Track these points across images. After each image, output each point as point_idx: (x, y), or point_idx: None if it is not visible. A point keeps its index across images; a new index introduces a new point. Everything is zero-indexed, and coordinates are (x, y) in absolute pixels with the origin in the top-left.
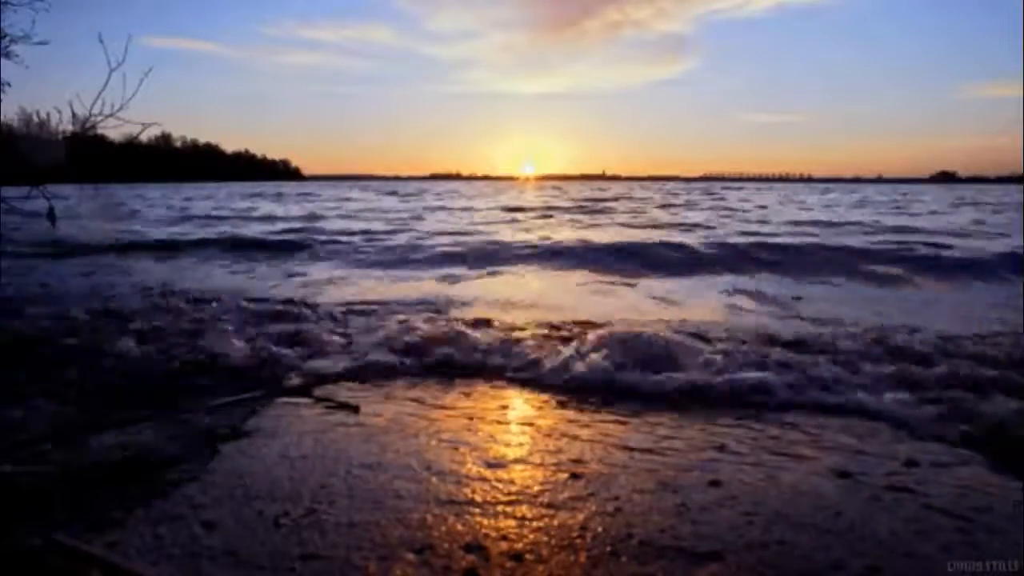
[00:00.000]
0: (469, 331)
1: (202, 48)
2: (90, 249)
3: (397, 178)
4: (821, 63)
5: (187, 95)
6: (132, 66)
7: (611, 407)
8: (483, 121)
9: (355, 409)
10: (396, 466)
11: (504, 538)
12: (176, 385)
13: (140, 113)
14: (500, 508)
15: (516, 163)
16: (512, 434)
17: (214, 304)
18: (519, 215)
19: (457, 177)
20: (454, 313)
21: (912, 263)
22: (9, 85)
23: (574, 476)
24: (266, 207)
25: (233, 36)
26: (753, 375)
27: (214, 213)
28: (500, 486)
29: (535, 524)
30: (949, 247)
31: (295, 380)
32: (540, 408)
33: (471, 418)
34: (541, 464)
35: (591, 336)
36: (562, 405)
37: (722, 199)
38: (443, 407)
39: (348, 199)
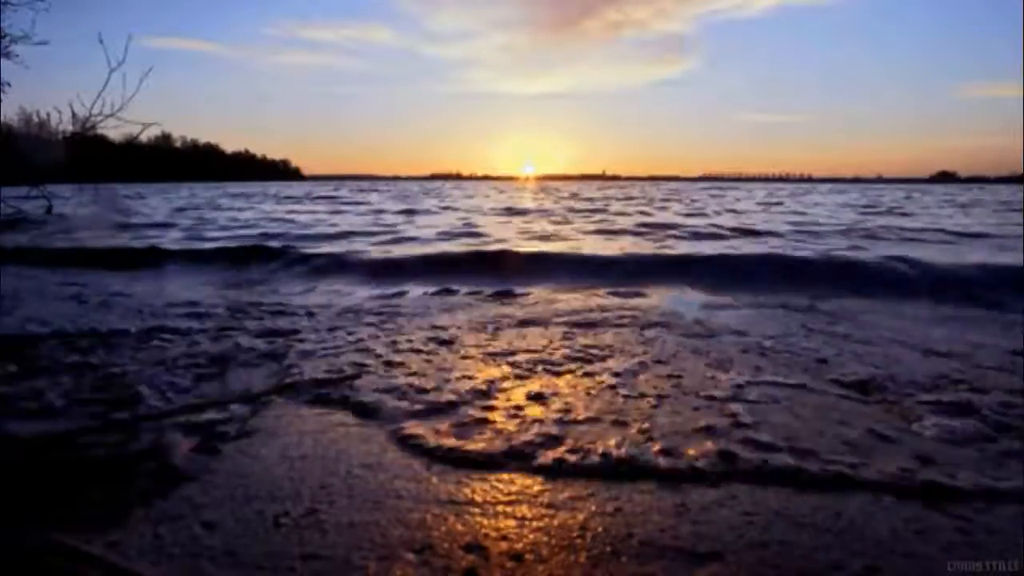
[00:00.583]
0: None
1: (202, 48)
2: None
3: (397, 178)
4: (821, 63)
5: (187, 95)
6: (132, 66)
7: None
8: (483, 121)
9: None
10: (396, 466)
11: (504, 538)
12: (176, 385)
13: (140, 113)
14: (500, 508)
15: (516, 163)
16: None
17: None
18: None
19: (457, 177)
20: None
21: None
22: (9, 85)
23: (575, 475)
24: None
25: (233, 36)
26: None
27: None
28: (500, 486)
29: (535, 524)
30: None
31: (295, 380)
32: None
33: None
34: (541, 464)
35: None
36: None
37: (695, 200)
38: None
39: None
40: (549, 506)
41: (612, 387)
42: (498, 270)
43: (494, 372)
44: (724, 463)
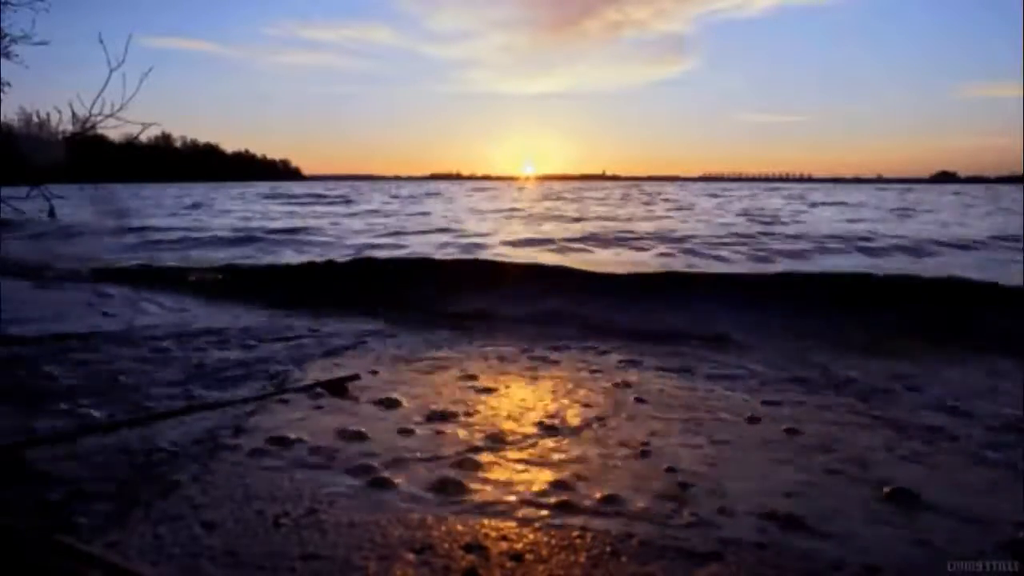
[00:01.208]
0: None
1: (202, 48)
2: None
3: (397, 178)
4: (821, 63)
5: (187, 95)
6: (132, 66)
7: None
8: (483, 121)
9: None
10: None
11: (504, 538)
12: (175, 385)
13: (140, 113)
14: (500, 508)
15: (516, 163)
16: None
17: None
18: None
19: (457, 177)
20: None
21: None
22: (9, 85)
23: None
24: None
25: (233, 36)
26: None
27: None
28: (500, 486)
29: (535, 524)
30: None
31: (296, 380)
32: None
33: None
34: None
35: None
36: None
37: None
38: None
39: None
40: (549, 505)
41: None
42: None
43: None
44: None
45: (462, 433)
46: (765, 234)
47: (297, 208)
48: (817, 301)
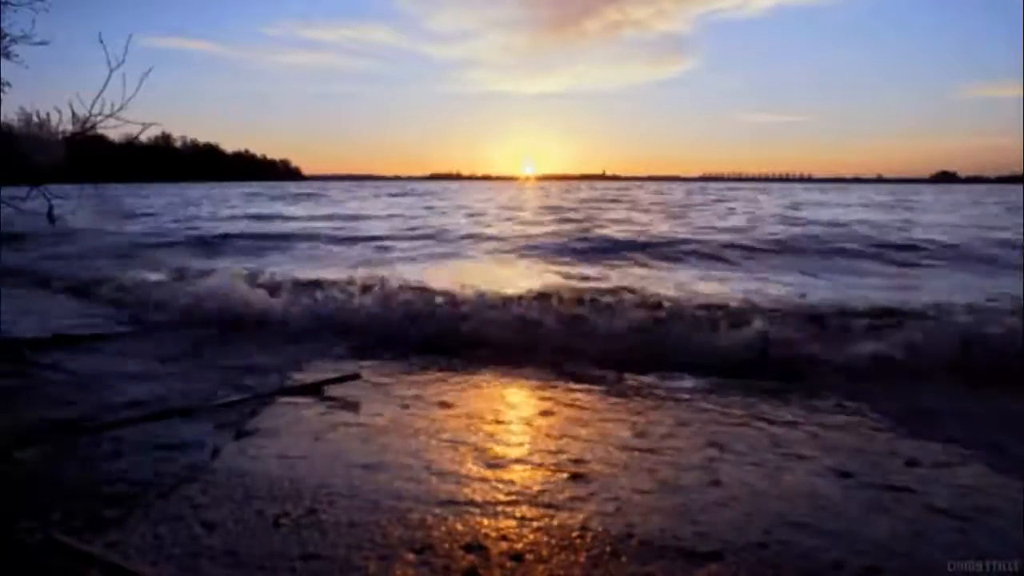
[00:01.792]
0: None
1: (202, 48)
2: None
3: (397, 178)
4: (821, 63)
5: (187, 95)
6: (132, 66)
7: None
8: (483, 121)
9: (355, 407)
10: (396, 466)
11: (504, 538)
12: (176, 385)
13: (140, 113)
14: (500, 508)
15: (516, 163)
16: (512, 434)
17: None
18: None
19: (457, 177)
20: None
21: None
22: (9, 85)
23: (574, 476)
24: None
25: (233, 36)
26: None
27: None
28: (500, 486)
29: (535, 524)
30: None
31: (295, 380)
32: (541, 407)
33: (471, 417)
34: (541, 464)
35: None
36: (563, 404)
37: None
38: (443, 405)
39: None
40: (550, 505)
41: None
42: None
43: None
44: None
45: None
46: None
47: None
48: None
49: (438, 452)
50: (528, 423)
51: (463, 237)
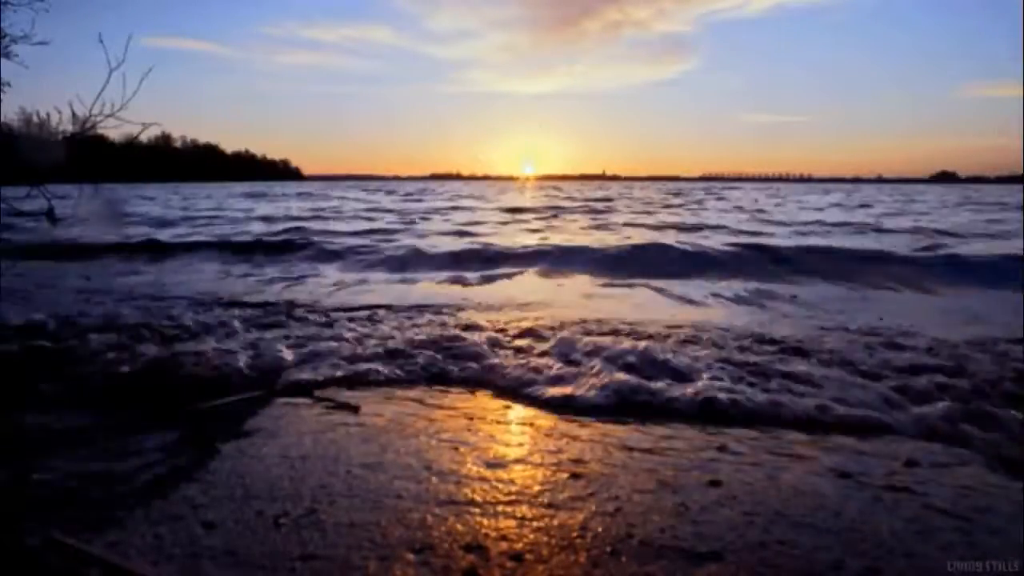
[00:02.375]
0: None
1: (202, 48)
2: None
3: (397, 178)
4: (821, 63)
5: (187, 95)
6: (132, 66)
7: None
8: (483, 121)
9: (355, 409)
10: (396, 466)
11: (504, 538)
12: (175, 385)
13: (140, 113)
14: (500, 508)
15: (516, 163)
16: (512, 434)
17: None
18: None
19: (457, 177)
20: None
21: None
22: (9, 85)
23: (574, 476)
24: None
25: (233, 36)
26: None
27: None
28: (500, 486)
29: (535, 524)
30: None
31: (295, 380)
32: (540, 407)
33: (471, 418)
34: (541, 464)
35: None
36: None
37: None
38: (443, 407)
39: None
40: (550, 505)
41: None
42: None
43: None
44: None
45: None
46: None
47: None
48: None
49: (438, 452)
50: (528, 423)
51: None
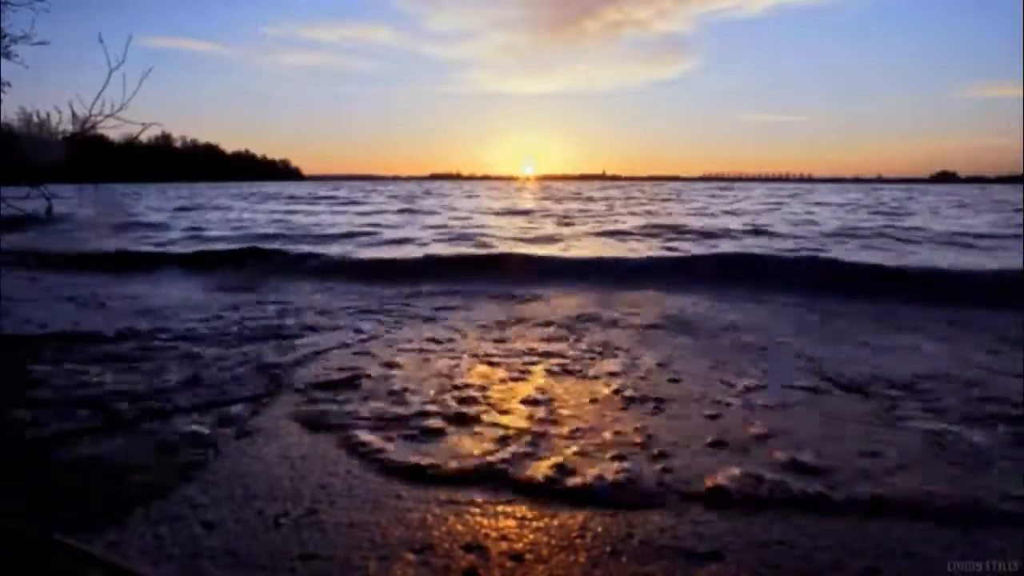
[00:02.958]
0: None
1: (202, 48)
2: None
3: (397, 178)
4: (821, 63)
5: (187, 95)
6: (132, 66)
7: None
8: (483, 121)
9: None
10: (396, 466)
11: (504, 538)
12: (176, 385)
13: (140, 113)
14: (500, 508)
15: (516, 163)
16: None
17: None
18: None
19: (457, 177)
20: None
21: None
22: (9, 85)
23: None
24: None
25: (233, 36)
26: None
27: None
28: (500, 486)
29: (535, 524)
30: None
31: (295, 381)
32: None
33: None
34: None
35: None
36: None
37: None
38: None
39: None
40: (550, 505)
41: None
42: None
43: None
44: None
45: None
46: None
47: None
48: None
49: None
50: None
51: None
